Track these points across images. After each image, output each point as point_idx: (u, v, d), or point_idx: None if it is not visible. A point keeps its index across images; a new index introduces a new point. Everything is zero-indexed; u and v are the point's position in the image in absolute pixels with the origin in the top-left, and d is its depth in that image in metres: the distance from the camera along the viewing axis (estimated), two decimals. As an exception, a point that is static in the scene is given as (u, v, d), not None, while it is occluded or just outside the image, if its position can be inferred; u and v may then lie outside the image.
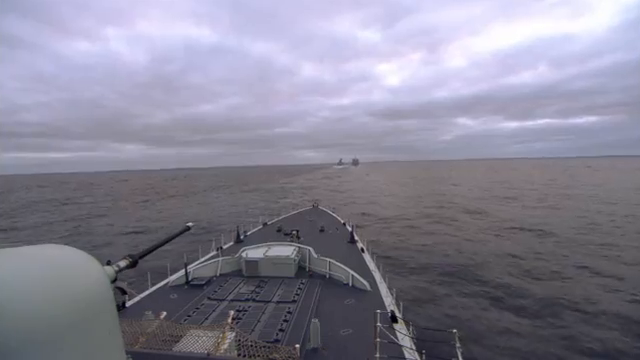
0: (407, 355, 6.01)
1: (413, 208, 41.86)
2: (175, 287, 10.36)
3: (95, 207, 55.69)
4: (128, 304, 8.85)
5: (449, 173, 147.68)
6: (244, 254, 11.90)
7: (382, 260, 16.21)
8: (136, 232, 31.87)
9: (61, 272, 1.29)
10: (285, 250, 12.14)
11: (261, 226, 20.78)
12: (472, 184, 79.74)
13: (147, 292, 9.95)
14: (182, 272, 10.91)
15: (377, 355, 5.23)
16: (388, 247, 22.52)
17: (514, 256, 20.09)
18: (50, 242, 1.44)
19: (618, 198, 45.45)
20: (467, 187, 72.20)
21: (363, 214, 36.81)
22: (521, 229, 27.68)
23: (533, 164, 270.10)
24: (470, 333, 11.06)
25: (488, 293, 14.74)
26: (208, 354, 3.93)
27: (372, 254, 13.90)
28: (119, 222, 38.68)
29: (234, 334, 4.69)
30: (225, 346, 4.36)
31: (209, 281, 10.78)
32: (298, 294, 9.56)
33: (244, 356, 4.52)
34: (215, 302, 9.12)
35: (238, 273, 11.60)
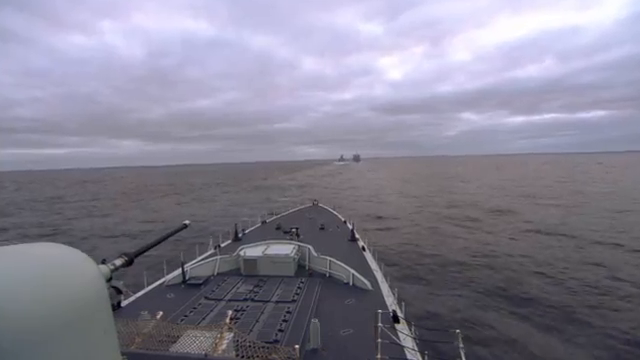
0: (409, 356, 6.06)
1: (423, 208, 40.93)
2: (172, 286, 10.42)
3: (87, 206, 55.79)
4: (124, 304, 8.91)
5: (455, 169, 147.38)
6: (242, 252, 11.95)
7: (394, 267, 15.78)
8: (129, 233, 31.85)
9: (55, 271, 1.31)
10: (284, 248, 12.19)
11: (260, 224, 20.85)
12: (481, 181, 79.40)
13: (143, 291, 10.02)
14: (179, 271, 10.97)
15: (378, 356, 5.27)
16: (400, 253, 21.44)
17: (539, 264, 18.66)
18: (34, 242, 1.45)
19: (637, 197, 43.97)
20: (476, 184, 71.86)
21: (367, 215, 35.90)
22: (542, 231, 26.50)
23: (541, 160, 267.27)
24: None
25: (513, 311, 13.25)
26: (206, 355, 3.96)
27: (373, 253, 13.93)
28: (112, 222, 38.75)
29: (232, 334, 4.72)
30: (223, 347, 4.40)
31: (206, 280, 10.85)
32: (298, 293, 9.62)
33: (242, 357, 4.56)
34: (213, 302, 9.19)
35: (236, 272, 11.67)
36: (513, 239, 24.79)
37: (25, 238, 30.88)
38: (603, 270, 17.63)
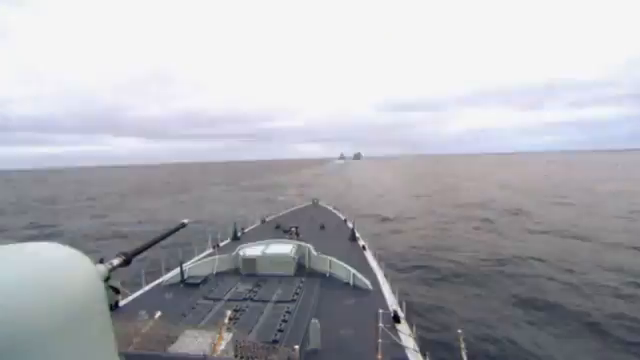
0: (410, 357, 6.09)
1: (427, 208, 40.33)
2: (170, 286, 10.46)
3: (83, 206, 55.85)
4: (121, 304, 8.95)
5: (459, 167, 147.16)
6: (241, 252, 11.99)
7: (397, 269, 15.37)
8: (126, 233, 31.73)
9: (52, 270, 1.32)
10: (284, 248, 12.22)
11: (259, 223, 20.90)
12: (486, 180, 79.18)
13: (141, 291, 10.06)
14: (177, 270, 11.00)
15: (379, 356, 5.30)
16: (404, 258, 20.62)
17: (555, 268, 17.77)
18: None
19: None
20: (481, 183, 71.52)
21: (369, 215, 35.31)
22: (555, 233, 25.79)
23: (547, 158, 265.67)
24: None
25: (527, 319, 12.53)
26: (204, 355, 3.99)
27: (374, 252, 13.96)
28: (108, 222, 38.79)
29: (231, 335, 4.75)
30: (222, 347, 4.42)
31: (205, 280, 10.88)
32: (297, 293, 9.65)
33: (241, 357, 4.59)
34: (211, 302, 9.22)
35: (235, 271, 11.71)
36: (524, 241, 24.21)
37: (17, 239, 30.75)
38: (628, 277, 16.37)
